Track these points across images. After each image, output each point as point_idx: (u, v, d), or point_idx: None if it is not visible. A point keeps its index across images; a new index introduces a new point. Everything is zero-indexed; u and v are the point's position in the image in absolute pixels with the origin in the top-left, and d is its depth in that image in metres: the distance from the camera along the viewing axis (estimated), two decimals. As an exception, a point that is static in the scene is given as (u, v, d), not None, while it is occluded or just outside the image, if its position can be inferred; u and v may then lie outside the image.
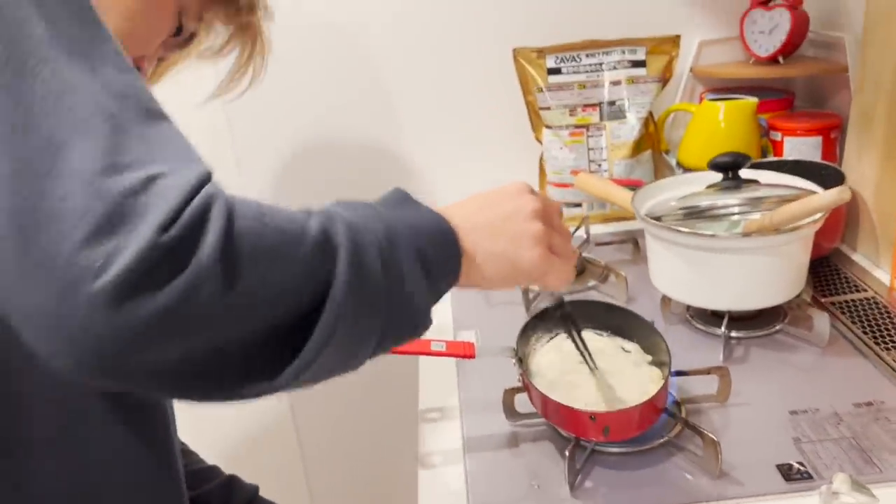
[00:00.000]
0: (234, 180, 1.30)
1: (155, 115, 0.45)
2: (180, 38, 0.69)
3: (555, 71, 1.23)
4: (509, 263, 0.58)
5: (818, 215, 0.80)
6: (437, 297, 0.55)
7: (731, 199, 0.86)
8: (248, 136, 1.31)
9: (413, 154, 1.33)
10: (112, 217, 0.38)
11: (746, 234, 0.83)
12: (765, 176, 0.93)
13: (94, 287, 0.37)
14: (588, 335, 0.82)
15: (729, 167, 0.88)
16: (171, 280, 0.38)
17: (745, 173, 0.91)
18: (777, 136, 1.19)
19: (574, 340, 0.77)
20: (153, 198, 0.39)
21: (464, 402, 0.84)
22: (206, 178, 0.43)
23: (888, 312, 0.91)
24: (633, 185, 1.11)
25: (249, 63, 0.78)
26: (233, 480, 0.88)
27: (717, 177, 0.90)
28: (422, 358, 0.91)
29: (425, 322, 0.53)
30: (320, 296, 0.45)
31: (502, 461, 0.74)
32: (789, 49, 1.21)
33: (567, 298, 0.79)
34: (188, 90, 0.80)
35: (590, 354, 0.76)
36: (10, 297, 0.39)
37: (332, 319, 0.44)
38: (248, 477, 0.89)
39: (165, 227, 0.39)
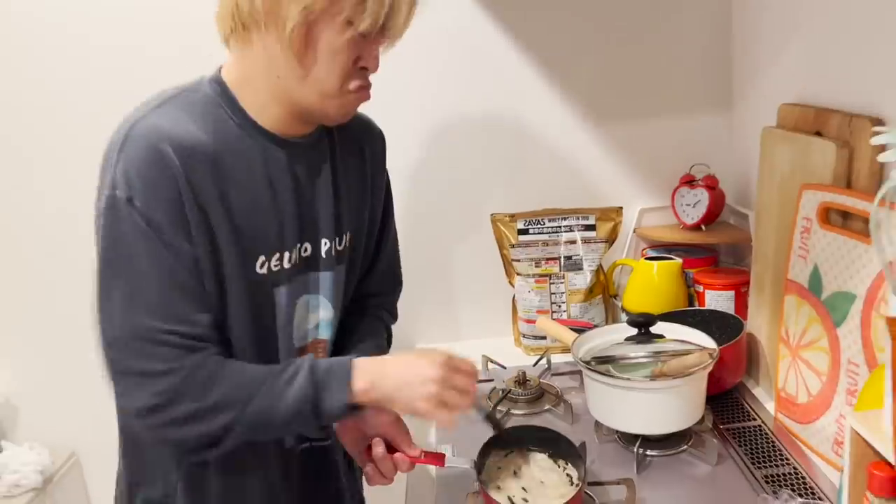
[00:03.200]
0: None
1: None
2: (374, 30, 0.88)
3: (524, 231, 1.55)
4: (408, 409, 0.93)
5: (697, 367, 1.09)
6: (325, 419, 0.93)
7: (641, 351, 1.16)
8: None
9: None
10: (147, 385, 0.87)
11: (653, 378, 1.12)
12: (672, 328, 1.22)
13: (139, 418, 0.87)
14: (533, 453, 1.09)
15: (640, 325, 1.18)
16: (167, 413, 0.86)
17: (656, 327, 1.21)
18: (700, 288, 1.49)
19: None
20: (161, 380, 0.86)
21: (438, 499, 1.10)
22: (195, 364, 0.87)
23: (768, 439, 1.19)
24: (584, 327, 1.41)
25: None
26: None
27: (632, 330, 1.20)
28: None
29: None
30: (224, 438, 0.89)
31: (462, 547, 1.01)
32: (710, 219, 1.53)
33: (519, 423, 1.07)
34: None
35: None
36: None
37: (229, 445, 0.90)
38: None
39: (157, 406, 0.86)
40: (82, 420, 1.62)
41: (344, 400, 0.90)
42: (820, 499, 1.03)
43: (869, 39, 1.08)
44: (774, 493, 1.03)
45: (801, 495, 1.03)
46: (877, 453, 0.85)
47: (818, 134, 1.17)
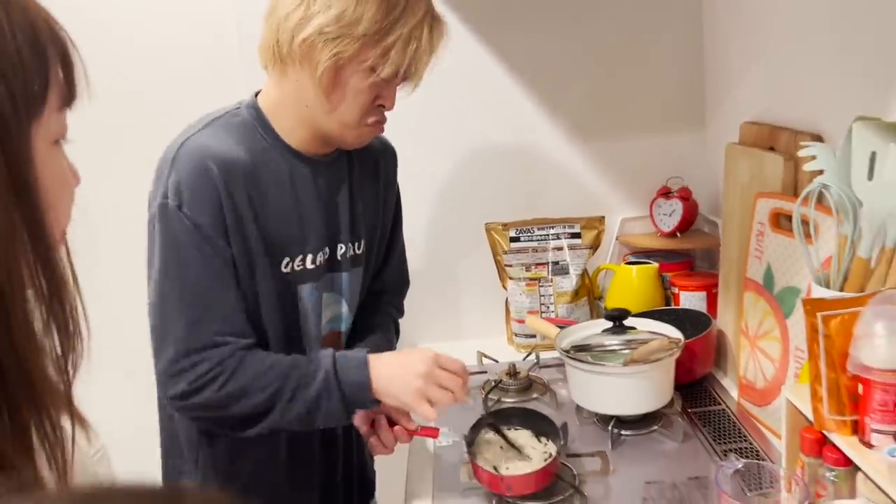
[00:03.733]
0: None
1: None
2: (395, 77, 1.04)
3: (515, 239, 1.70)
4: (397, 400, 1.06)
5: (663, 353, 1.23)
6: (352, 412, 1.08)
7: (615, 340, 1.31)
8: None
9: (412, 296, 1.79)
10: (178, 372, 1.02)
11: (626, 364, 1.26)
12: (644, 322, 1.37)
13: (173, 401, 1.04)
14: (519, 431, 1.24)
15: (615, 318, 1.33)
16: (195, 399, 1.02)
17: (630, 322, 1.35)
18: (675, 289, 1.64)
19: (499, 434, 1.19)
20: (192, 370, 1.01)
21: (436, 470, 1.25)
22: (222, 358, 1.01)
23: (729, 420, 1.33)
24: (569, 324, 1.55)
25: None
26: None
27: (609, 323, 1.35)
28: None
29: (344, 421, 1.09)
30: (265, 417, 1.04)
31: (455, 508, 1.15)
32: (684, 227, 1.67)
33: (508, 406, 1.22)
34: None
35: (508, 440, 1.19)
36: None
37: (266, 430, 1.05)
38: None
39: (192, 391, 1.02)
40: (111, 414, 1.76)
41: (367, 387, 1.05)
42: (769, 467, 1.17)
43: (812, 68, 1.23)
44: (725, 458, 1.17)
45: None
46: (807, 420, 0.99)
47: (771, 149, 1.32)
